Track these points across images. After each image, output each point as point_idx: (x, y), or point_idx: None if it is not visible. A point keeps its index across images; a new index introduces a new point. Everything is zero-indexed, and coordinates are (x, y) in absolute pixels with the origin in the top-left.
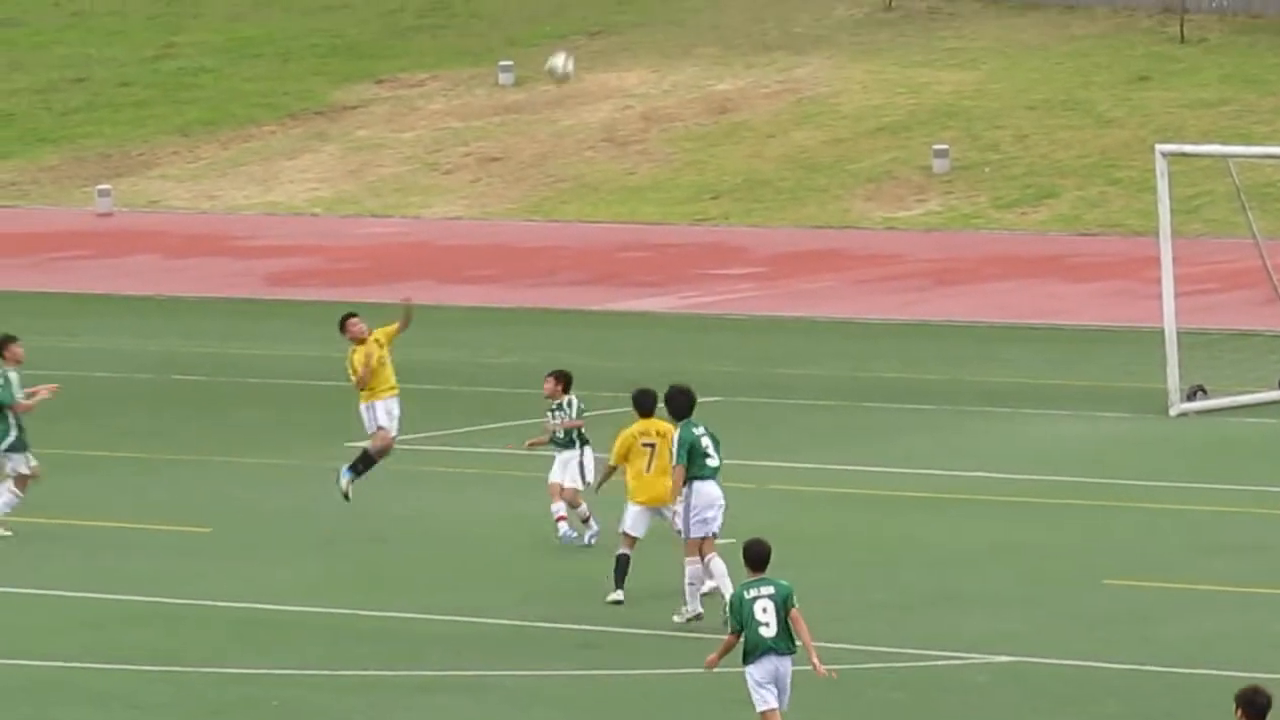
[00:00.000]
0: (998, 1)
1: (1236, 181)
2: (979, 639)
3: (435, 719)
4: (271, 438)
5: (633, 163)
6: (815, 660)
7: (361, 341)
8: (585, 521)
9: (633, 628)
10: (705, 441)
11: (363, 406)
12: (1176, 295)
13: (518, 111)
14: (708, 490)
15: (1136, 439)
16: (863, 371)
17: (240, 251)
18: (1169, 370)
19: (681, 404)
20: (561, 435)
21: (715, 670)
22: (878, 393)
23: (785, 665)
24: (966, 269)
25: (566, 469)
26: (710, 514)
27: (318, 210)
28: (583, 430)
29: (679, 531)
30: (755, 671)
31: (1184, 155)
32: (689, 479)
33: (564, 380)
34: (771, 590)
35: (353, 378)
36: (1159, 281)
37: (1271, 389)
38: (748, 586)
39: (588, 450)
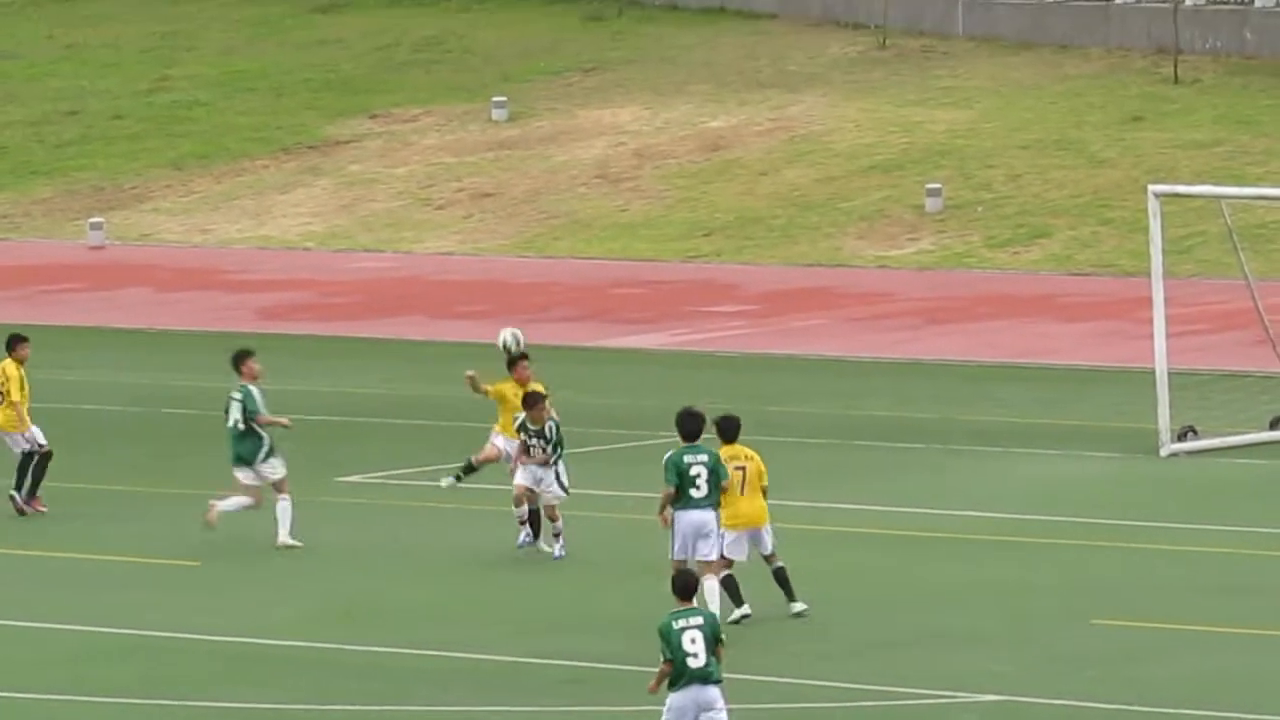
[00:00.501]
0: (991, 41)
1: (1229, 222)
2: (967, 678)
3: None
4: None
5: (625, 199)
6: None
7: None
8: (556, 537)
9: (621, 663)
10: (695, 470)
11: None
12: (1168, 336)
13: (511, 147)
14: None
15: (1127, 479)
16: (854, 410)
17: (232, 285)
18: (1160, 410)
19: (693, 429)
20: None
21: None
22: (869, 431)
23: (712, 694)
24: (958, 308)
25: (541, 480)
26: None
27: (310, 245)
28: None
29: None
30: (678, 700)
31: (1177, 196)
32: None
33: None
34: (700, 620)
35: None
36: (1151, 322)
37: (1263, 430)
38: (676, 616)
39: (562, 463)
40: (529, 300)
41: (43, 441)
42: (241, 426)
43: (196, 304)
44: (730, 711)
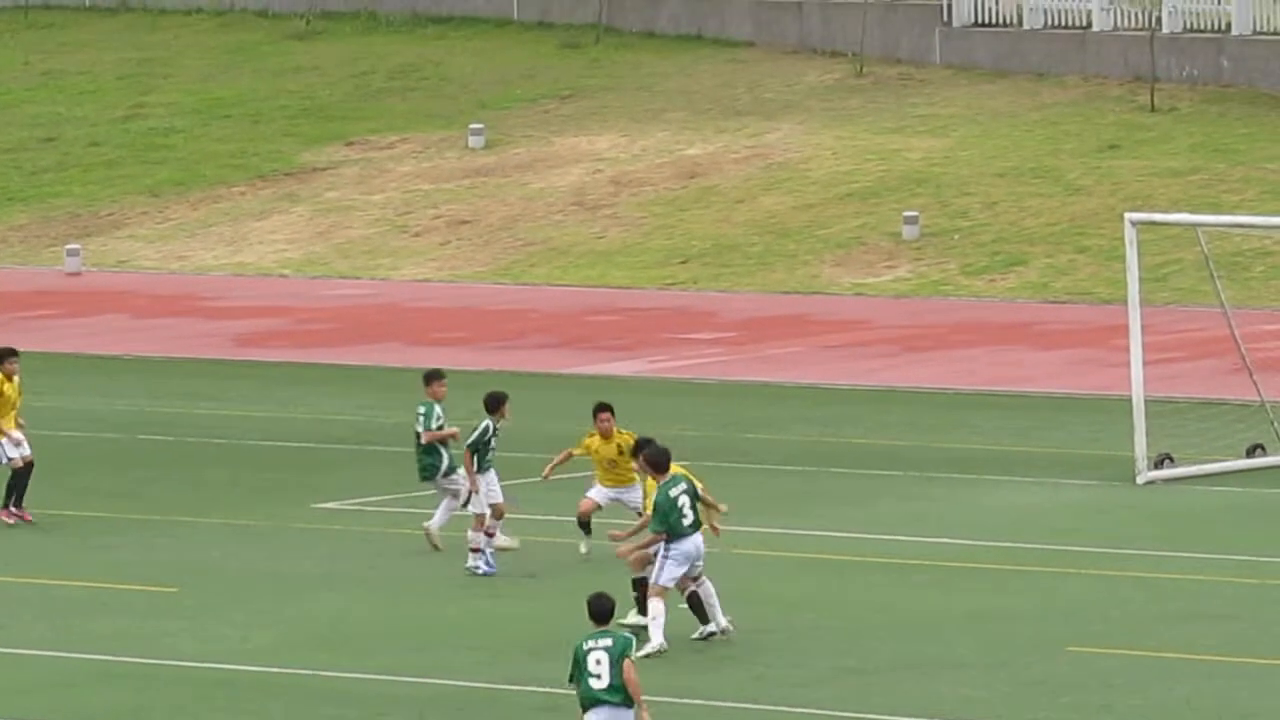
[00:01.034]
0: (968, 69)
1: (1205, 250)
2: (942, 705)
3: None
4: (238, 498)
5: (602, 227)
6: (644, 716)
7: None
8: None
9: None
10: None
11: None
12: (1145, 363)
13: (487, 174)
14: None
15: (1103, 507)
16: (830, 437)
17: (209, 312)
18: (1136, 438)
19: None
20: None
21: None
22: (845, 458)
23: (616, 715)
24: (935, 336)
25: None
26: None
27: (286, 272)
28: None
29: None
30: None
31: (1153, 224)
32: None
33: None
34: (608, 643)
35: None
36: (1127, 350)
37: (1239, 458)
38: (588, 638)
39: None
40: (505, 327)
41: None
42: (421, 441)
43: (173, 330)
44: None
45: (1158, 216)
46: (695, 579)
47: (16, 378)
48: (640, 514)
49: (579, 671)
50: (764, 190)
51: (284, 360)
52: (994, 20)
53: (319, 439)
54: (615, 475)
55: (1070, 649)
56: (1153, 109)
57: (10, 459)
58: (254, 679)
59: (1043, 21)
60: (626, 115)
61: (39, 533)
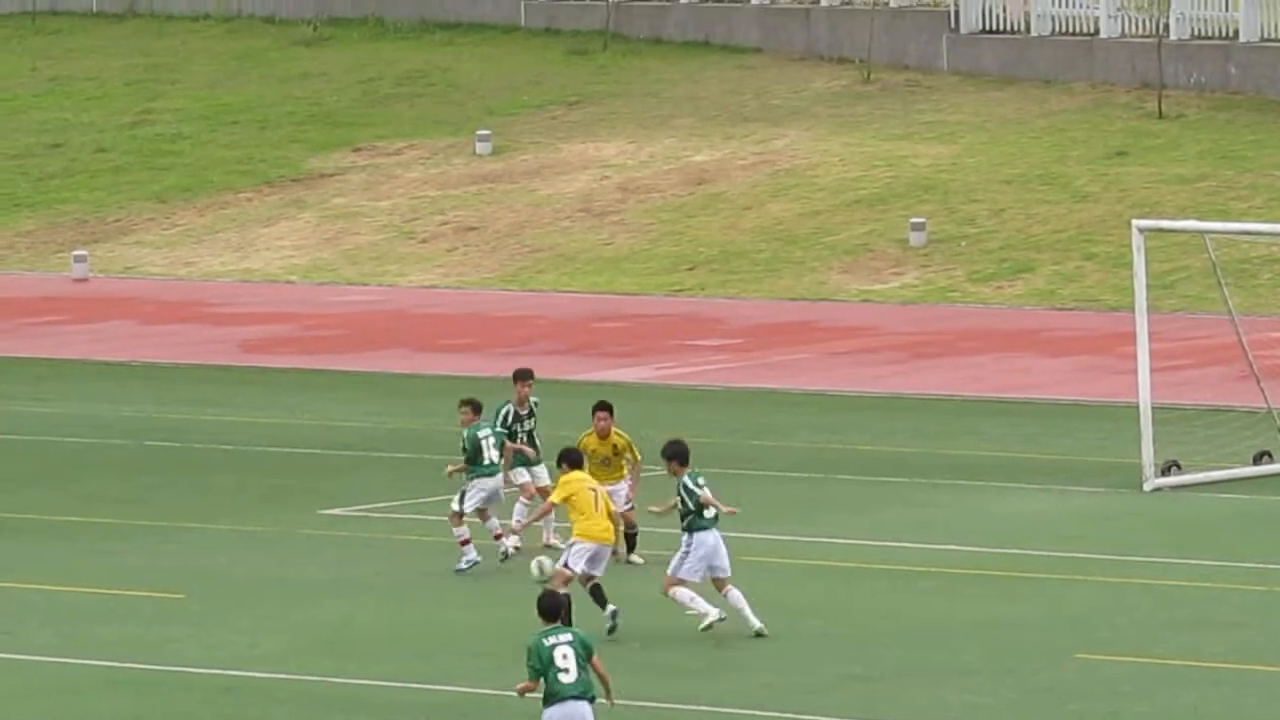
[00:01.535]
0: (976, 75)
1: (1213, 257)
2: (949, 712)
3: None
4: (245, 504)
5: (609, 233)
6: (610, 698)
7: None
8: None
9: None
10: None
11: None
12: (1152, 370)
13: (495, 181)
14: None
15: (1110, 514)
16: (836, 444)
17: (215, 318)
18: (1143, 445)
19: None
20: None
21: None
22: (851, 465)
23: (584, 709)
24: (942, 342)
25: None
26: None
27: (293, 278)
28: None
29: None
30: (552, 714)
31: (1160, 231)
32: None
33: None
34: (569, 638)
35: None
36: (1134, 357)
37: (1246, 465)
38: (546, 634)
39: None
40: (513, 334)
41: None
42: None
43: (180, 337)
44: None
45: (1165, 223)
46: (721, 580)
47: None
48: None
49: (545, 667)
50: (771, 197)
51: (291, 366)
52: (1001, 27)
53: (326, 445)
54: (607, 473)
55: (1077, 656)
56: (1160, 116)
57: None
58: (260, 685)
59: (1050, 28)
60: (634, 122)
61: (46, 538)
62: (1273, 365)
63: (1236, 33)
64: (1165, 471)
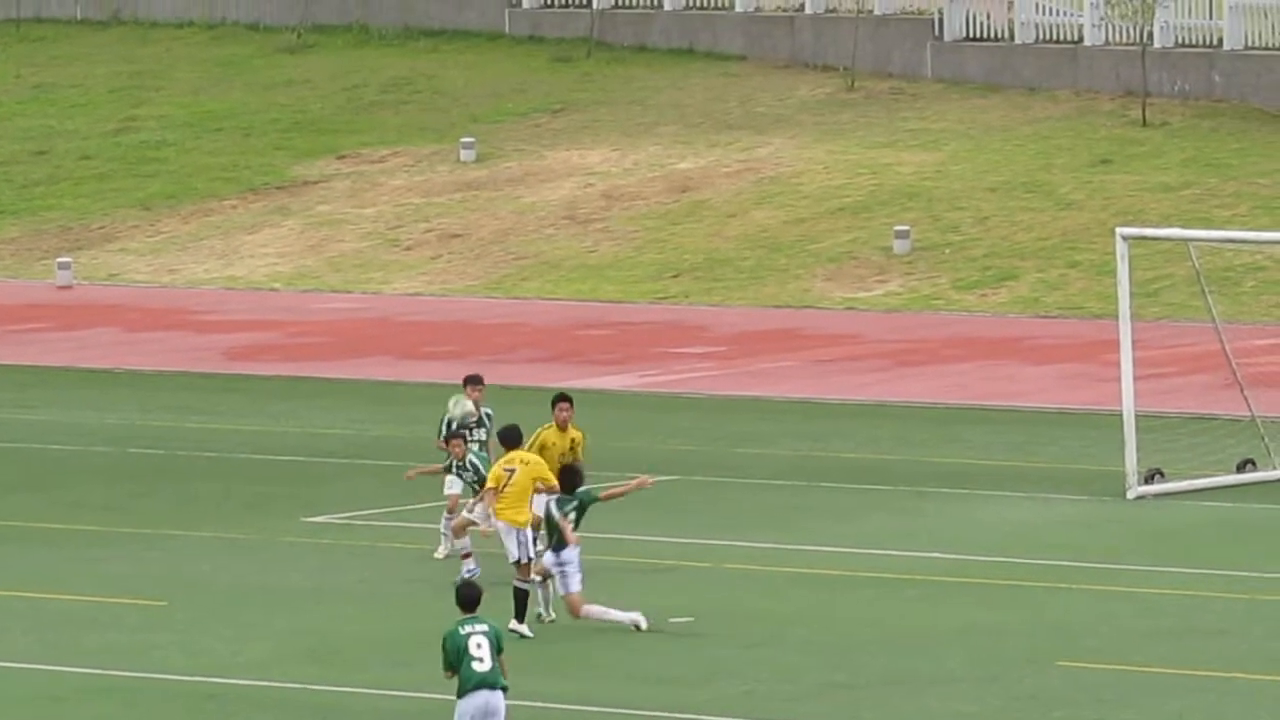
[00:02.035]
0: (960, 83)
1: (1196, 265)
2: (932, 719)
3: None
4: (228, 512)
5: (594, 241)
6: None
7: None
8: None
9: (581, 704)
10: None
11: None
12: (1136, 378)
13: (479, 188)
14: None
15: (1094, 521)
16: (821, 451)
17: (200, 326)
18: (1127, 453)
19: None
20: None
21: None
22: (835, 473)
23: (497, 699)
24: (926, 350)
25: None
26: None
27: (278, 285)
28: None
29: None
30: (465, 705)
31: (1144, 239)
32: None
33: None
34: (485, 628)
35: None
36: (1118, 365)
37: (1230, 473)
38: (462, 624)
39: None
40: (496, 341)
41: None
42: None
43: (164, 344)
44: None
45: (1149, 231)
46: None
47: None
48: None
49: (459, 656)
50: (755, 204)
51: (275, 374)
52: (985, 35)
53: (309, 453)
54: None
55: (1061, 664)
56: (1144, 124)
57: None
58: (244, 693)
59: (1034, 36)
60: (618, 129)
61: (29, 545)
62: (1256, 373)
63: (1220, 41)
64: (1149, 479)
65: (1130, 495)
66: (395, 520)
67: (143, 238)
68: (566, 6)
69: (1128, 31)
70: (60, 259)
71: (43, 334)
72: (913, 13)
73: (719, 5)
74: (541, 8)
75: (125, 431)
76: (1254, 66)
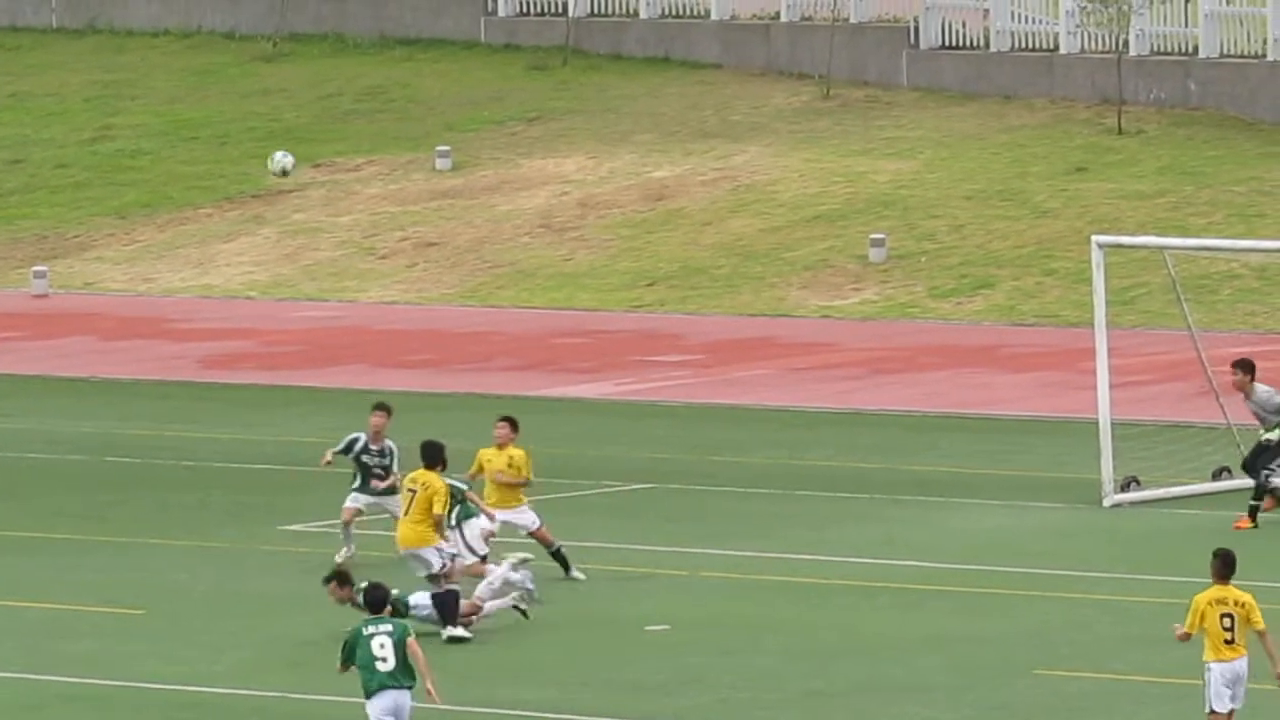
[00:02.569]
0: (936, 91)
1: (1172, 273)
2: None
3: None
4: (205, 520)
5: (569, 249)
6: (430, 687)
7: None
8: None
9: (560, 712)
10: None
11: None
12: (1111, 386)
13: (455, 197)
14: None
15: (1069, 530)
16: (797, 460)
17: (176, 334)
18: (1103, 461)
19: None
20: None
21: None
22: (812, 481)
23: (404, 699)
24: (902, 358)
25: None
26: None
27: (253, 294)
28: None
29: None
30: (374, 707)
31: (1120, 247)
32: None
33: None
34: (389, 628)
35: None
36: (1094, 373)
37: (1205, 481)
38: (367, 624)
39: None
40: (472, 350)
41: None
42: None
43: (139, 353)
44: None
45: (1125, 239)
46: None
47: None
48: (532, 533)
49: (362, 655)
50: (731, 213)
51: (251, 383)
52: (961, 43)
53: (286, 461)
54: (508, 495)
55: (1037, 672)
56: (1120, 132)
57: None
58: (221, 701)
59: (1010, 44)
60: (594, 137)
61: (6, 554)
62: (1232, 381)
63: (1196, 49)
64: (1125, 487)
65: (1106, 503)
66: (372, 529)
67: (118, 246)
68: (542, 15)
69: (1103, 39)
70: (36, 267)
71: (18, 343)
72: (888, 21)
73: (695, 14)
74: (517, 16)
75: (102, 440)
76: (1229, 74)
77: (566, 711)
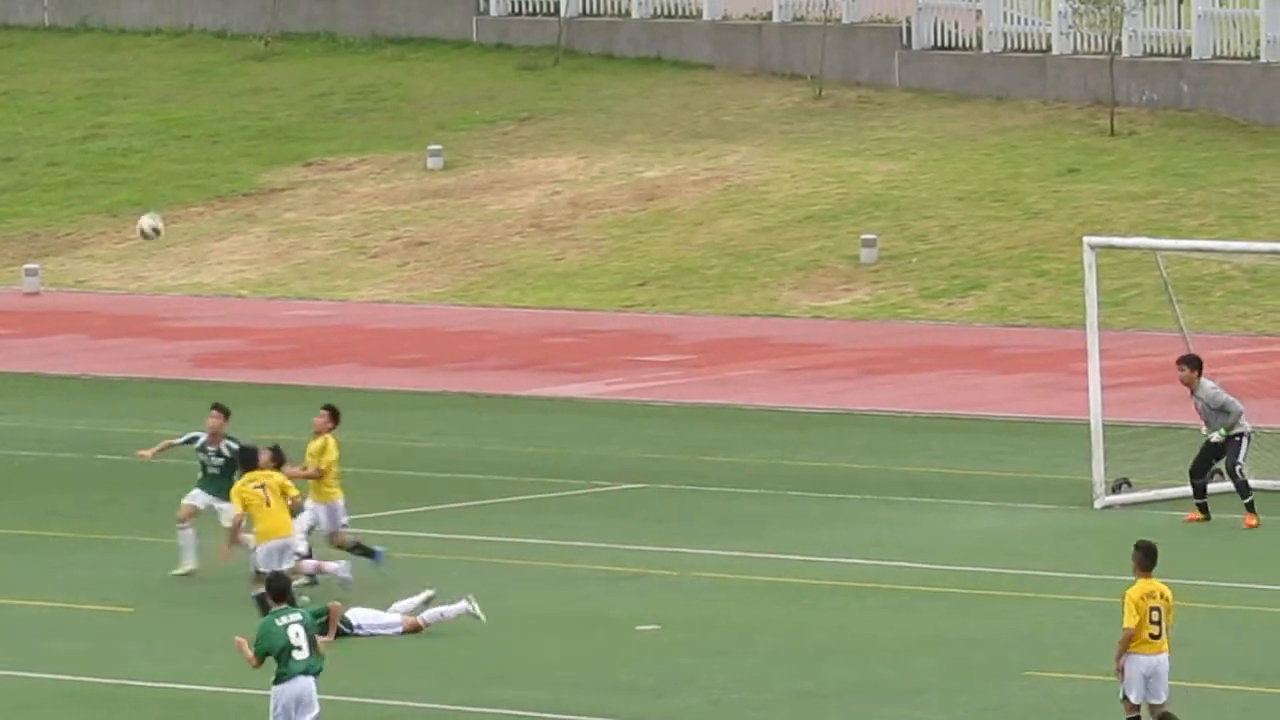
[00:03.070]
0: (928, 92)
1: (1164, 275)
2: None
3: None
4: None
5: (560, 249)
6: (332, 634)
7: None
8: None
9: (548, 712)
10: None
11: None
12: (1103, 388)
13: (446, 196)
14: None
15: (1061, 531)
16: (788, 460)
17: (166, 333)
18: (1094, 463)
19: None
20: None
21: None
22: (803, 482)
23: (310, 684)
24: (893, 359)
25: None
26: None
27: (244, 292)
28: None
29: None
30: (281, 692)
31: (1112, 248)
32: None
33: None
34: (299, 616)
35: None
36: (1086, 374)
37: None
38: (277, 615)
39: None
40: (463, 349)
41: None
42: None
43: (130, 351)
44: None
45: (1117, 240)
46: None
47: None
48: (337, 532)
49: (280, 647)
50: (722, 213)
51: (242, 381)
52: (953, 44)
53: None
54: (320, 491)
55: (1028, 674)
56: (1112, 133)
57: None
58: (212, 699)
59: (1002, 45)
60: (585, 137)
61: None
62: (1224, 383)
63: (1189, 50)
64: (1116, 489)
65: (1097, 505)
66: (358, 527)
67: (110, 244)
68: (534, 14)
69: (1096, 40)
70: (27, 266)
71: (10, 340)
72: (880, 21)
73: (686, 14)
74: (509, 15)
75: (93, 438)
76: (1222, 76)
77: (556, 711)
